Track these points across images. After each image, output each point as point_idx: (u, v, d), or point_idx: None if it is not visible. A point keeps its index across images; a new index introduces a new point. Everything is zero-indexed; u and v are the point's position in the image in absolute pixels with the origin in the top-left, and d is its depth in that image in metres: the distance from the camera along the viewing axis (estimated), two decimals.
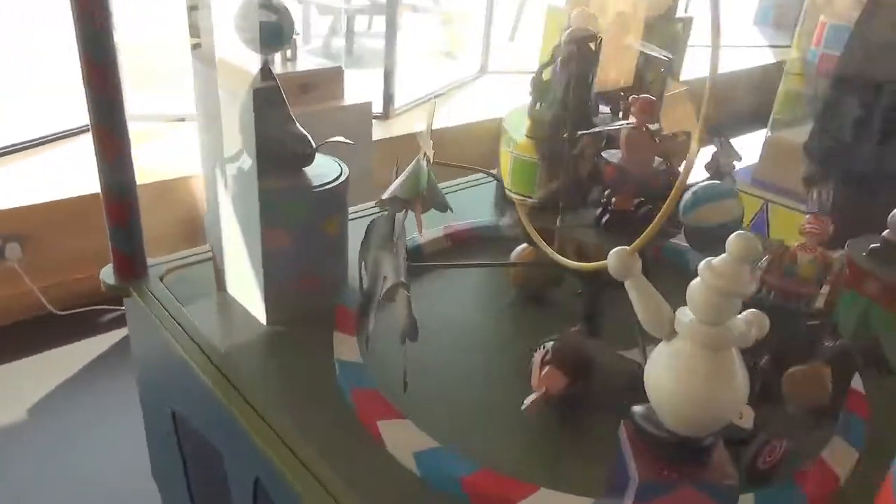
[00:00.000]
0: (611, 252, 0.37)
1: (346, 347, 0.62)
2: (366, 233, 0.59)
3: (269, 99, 0.63)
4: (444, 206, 0.56)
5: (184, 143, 1.73)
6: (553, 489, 0.49)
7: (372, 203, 0.84)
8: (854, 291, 0.64)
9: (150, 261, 0.73)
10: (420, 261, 0.78)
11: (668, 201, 0.37)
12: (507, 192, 0.72)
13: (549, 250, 0.60)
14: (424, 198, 0.54)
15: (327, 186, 0.66)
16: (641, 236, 0.37)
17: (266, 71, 0.63)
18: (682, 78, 1.27)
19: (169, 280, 0.72)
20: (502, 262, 0.68)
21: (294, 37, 2.31)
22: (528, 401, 0.52)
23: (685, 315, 0.36)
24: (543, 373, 0.54)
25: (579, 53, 0.81)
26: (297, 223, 0.65)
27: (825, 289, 0.52)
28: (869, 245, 0.65)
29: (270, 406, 0.56)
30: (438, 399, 0.58)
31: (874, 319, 0.63)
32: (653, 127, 0.59)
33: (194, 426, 0.66)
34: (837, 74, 1.14)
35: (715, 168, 0.62)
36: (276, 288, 0.66)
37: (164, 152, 1.68)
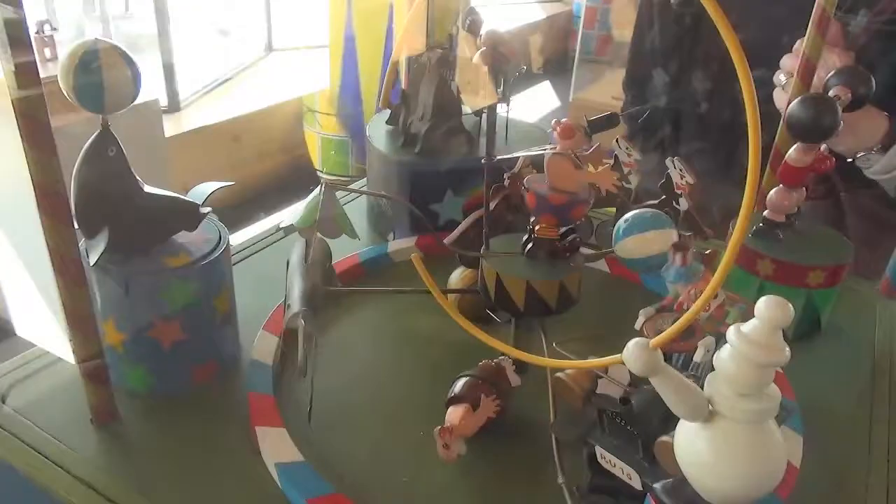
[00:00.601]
0: (631, 350, 0.33)
1: (278, 444, 0.52)
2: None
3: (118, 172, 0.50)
4: (352, 234, 0.56)
5: None
6: None
7: None
8: (745, 272, 0.67)
9: None
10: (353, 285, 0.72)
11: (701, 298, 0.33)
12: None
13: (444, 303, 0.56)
14: (328, 225, 0.53)
15: (216, 254, 0.54)
16: (667, 331, 0.33)
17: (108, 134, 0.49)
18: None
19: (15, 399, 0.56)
20: (421, 290, 0.60)
21: (51, 32, 1.96)
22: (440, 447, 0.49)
23: (718, 391, 0.33)
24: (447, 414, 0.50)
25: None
26: (190, 308, 0.54)
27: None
28: (752, 227, 0.68)
29: None
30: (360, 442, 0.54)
31: (816, 301, 0.66)
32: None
33: None
34: (634, 45, 1.19)
35: (669, 190, 0.61)
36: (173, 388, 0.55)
37: None
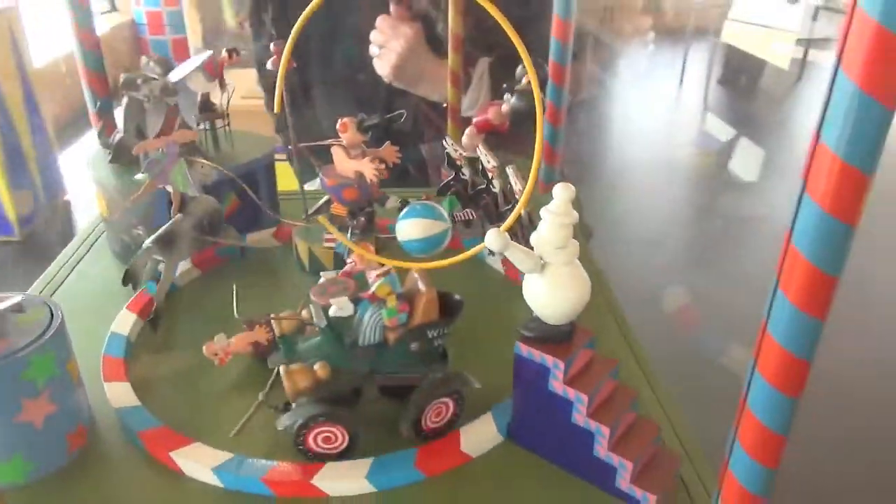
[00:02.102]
0: (489, 233, 0.49)
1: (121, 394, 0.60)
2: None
3: None
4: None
5: None
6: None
7: None
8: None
9: None
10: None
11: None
12: None
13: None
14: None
15: (56, 319, 0.54)
16: (509, 220, 0.51)
17: None
18: None
19: None
20: None
21: None
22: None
23: (544, 250, 0.52)
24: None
25: None
26: (53, 378, 0.53)
27: None
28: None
29: None
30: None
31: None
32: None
33: None
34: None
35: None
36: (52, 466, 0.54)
37: None
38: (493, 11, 0.54)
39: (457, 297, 0.59)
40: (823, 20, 5.34)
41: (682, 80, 5.50)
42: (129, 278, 0.74)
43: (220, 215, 0.77)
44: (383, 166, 0.68)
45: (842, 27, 0.32)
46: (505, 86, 0.83)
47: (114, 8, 6.44)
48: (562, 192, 0.51)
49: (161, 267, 0.72)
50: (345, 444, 0.56)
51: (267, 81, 1.31)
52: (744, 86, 5.32)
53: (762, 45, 5.08)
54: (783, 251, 0.36)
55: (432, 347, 0.58)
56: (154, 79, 0.83)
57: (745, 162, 3.90)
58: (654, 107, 5.10)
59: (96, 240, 0.91)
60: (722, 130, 4.49)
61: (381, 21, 1.05)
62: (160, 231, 0.71)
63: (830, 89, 0.32)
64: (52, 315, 0.55)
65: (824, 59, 5.62)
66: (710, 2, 5.18)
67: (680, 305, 2.33)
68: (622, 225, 2.93)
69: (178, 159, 0.71)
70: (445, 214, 0.61)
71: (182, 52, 5.86)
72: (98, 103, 0.92)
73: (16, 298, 0.54)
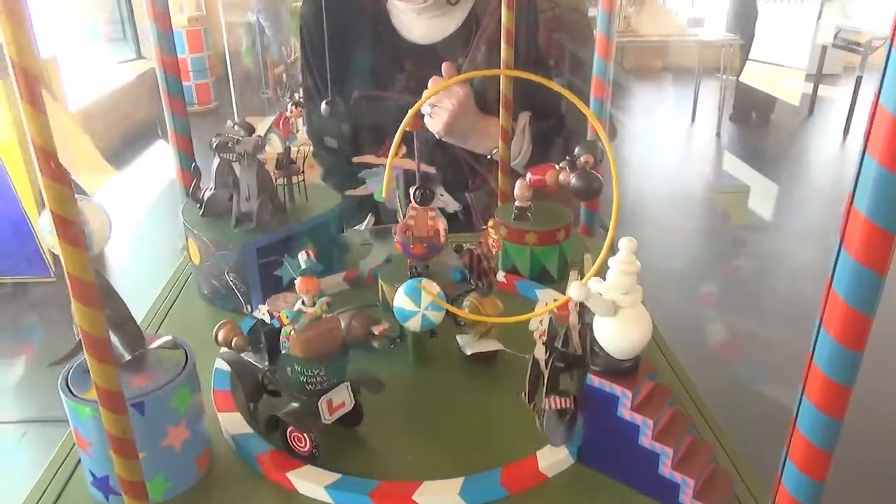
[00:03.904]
0: (575, 287, 0.57)
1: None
2: None
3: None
4: None
5: None
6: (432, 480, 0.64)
7: None
8: (517, 245, 0.98)
9: None
10: None
11: None
12: None
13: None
14: None
15: (188, 361, 0.63)
16: (592, 269, 0.59)
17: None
18: None
19: None
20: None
21: None
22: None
23: (614, 296, 0.60)
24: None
25: None
26: (190, 407, 0.61)
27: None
28: (510, 212, 0.99)
29: None
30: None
31: (539, 256, 0.98)
32: None
33: None
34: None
35: None
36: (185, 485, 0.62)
37: None
38: (568, 95, 0.63)
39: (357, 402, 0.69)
40: (831, 58, 5.46)
41: (693, 117, 5.62)
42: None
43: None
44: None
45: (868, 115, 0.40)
46: (568, 158, 0.92)
47: (140, 55, 6.69)
48: (626, 245, 0.60)
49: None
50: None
51: (312, 132, 1.41)
52: (755, 122, 5.43)
53: (773, 83, 5.19)
54: (825, 294, 0.45)
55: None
56: (239, 140, 0.93)
57: (761, 198, 3.98)
58: (668, 142, 5.21)
59: (184, 284, 1.00)
60: (735, 165, 4.58)
61: (433, 82, 1.15)
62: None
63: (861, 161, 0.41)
64: (186, 353, 0.64)
65: (834, 94, 5.73)
66: (719, 40, 5.33)
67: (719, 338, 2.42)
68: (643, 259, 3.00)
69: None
70: (421, 301, 0.73)
71: (205, 96, 6.09)
72: (191, 164, 1.04)
73: (165, 338, 0.63)
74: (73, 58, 4.80)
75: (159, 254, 2.92)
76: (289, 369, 0.67)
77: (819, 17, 5.21)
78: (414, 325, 0.74)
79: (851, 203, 0.41)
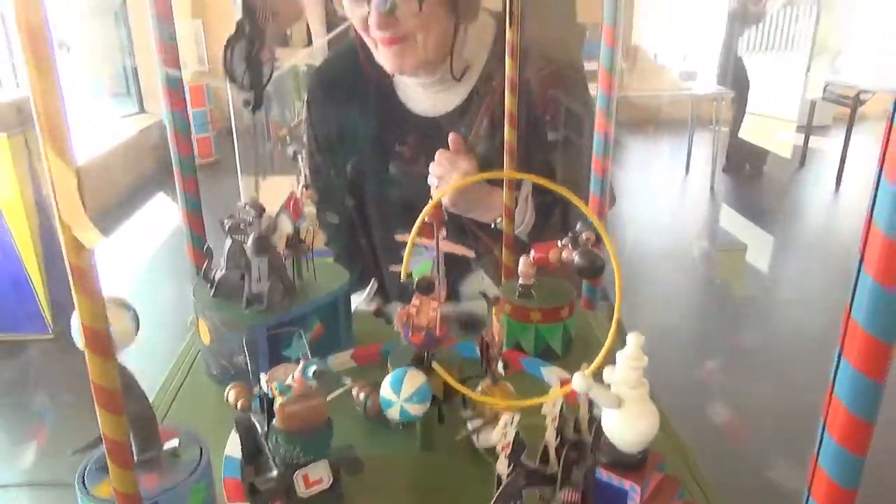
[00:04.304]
0: (578, 378, 0.59)
1: None
2: None
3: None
4: None
5: None
6: None
7: None
8: (522, 323, 0.99)
9: None
10: None
11: None
12: None
13: None
14: None
15: (202, 457, 0.63)
16: (596, 361, 0.61)
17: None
18: None
19: None
20: None
21: None
22: None
23: (620, 389, 0.62)
24: None
25: None
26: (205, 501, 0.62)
27: None
28: (514, 290, 1.01)
29: None
30: None
31: (543, 333, 0.99)
32: None
33: None
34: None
35: None
36: None
37: None
38: (569, 196, 0.66)
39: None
40: (821, 110, 5.58)
41: (687, 169, 5.71)
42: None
43: None
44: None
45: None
46: (570, 234, 0.94)
47: (142, 110, 6.80)
48: (633, 340, 0.61)
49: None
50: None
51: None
52: (748, 174, 5.52)
53: (765, 134, 5.30)
54: (843, 322, 0.45)
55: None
56: (251, 222, 0.95)
57: (757, 251, 4.02)
58: (663, 195, 5.28)
59: (192, 363, 1.01)
60: (731, 217, 4.64)
61: (440, 155, 1.18)
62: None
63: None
64: (200, 447, 0.65)
65: (824, 145, 5.84)
66: (710, 94, 5.45)
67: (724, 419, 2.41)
68: (639, 312, 3.02)
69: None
70: (401, 392, 0.74)
71: (206, 150, 6.18)
72: (203, 244, 1.06)
73: (176, 440, 0.64)
74: (78, 112, 4.88)
75: (161, 312, 2.93)
76: (275, 438, 0.68)
77: (808, 71, 5.34)
78: (393, 414, 0.75)
79: (870, 223, 0.42)
